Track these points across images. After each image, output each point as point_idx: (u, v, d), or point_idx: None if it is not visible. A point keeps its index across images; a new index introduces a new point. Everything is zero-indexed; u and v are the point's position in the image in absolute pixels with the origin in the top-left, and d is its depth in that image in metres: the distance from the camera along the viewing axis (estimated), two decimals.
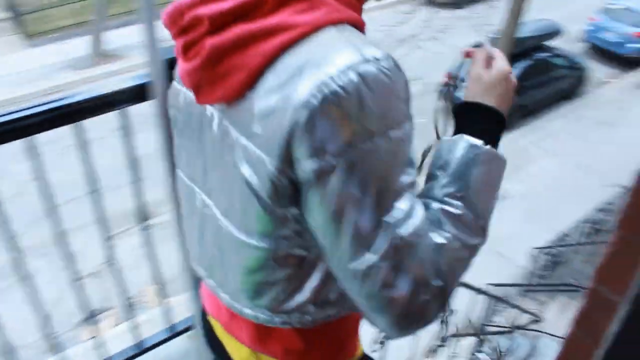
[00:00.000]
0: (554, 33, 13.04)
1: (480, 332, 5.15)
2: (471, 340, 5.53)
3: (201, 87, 0.94)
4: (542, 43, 12.90)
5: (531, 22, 12.00)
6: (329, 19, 0.90)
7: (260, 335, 1.19)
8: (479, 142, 1.03)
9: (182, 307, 2.21)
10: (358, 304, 0.95)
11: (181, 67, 0.97)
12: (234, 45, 0.88)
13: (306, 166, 0.85)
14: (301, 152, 0.85)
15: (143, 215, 2.10)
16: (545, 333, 5.86)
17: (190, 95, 1.03)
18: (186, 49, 0.94)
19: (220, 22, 0.89)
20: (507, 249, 8.96)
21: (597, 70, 14.77)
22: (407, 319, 0.91)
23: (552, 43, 13.28)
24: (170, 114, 1.22)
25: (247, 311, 1.15)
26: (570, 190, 10.55)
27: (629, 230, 0.99)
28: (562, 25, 13.27)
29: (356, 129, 0.83)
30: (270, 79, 0.88)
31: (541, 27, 12.77)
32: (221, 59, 0.89)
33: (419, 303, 0.90)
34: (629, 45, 14.75)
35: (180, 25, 0.94)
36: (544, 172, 11.16)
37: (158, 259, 2.25)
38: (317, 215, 0.90)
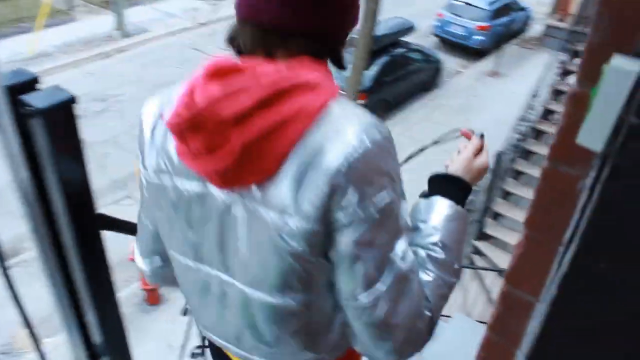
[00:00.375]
0: (407, 29, 13.68)
1: None
2: None
3: (227, 175, 1.02)
4: (397, 39, 13.47)
5: (385, 21, 12.46)
6: (329, 97, 1.03)
7: None
8: (456, 204, 1.27)
9: (59, 351, 2.00)
10: (361, 336, 1.14)
11: (199, 160, 1.03)
12: (261, 136, 0.98)
13: (341, 219, 1.01)
14: (338, 211, 1.00)
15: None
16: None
17: (191, 181, 1.12)
18: (212, 149, 1.00)
19: (243, 116, 0.97)
20: None
21: (449, 61, 15.71)
22: (407, 345, 1.12)
23: (407, 39, 13.93)
24: (153, 182, 1.23)
25: None
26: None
27: (536, 230, 1.02)
28: (414, 22, 13.97)
29: (377, 186, 1.02)
30: (296, 158, 0.99)
31: (396, 25, 13.33)
32: (250, 150, 0.98)
33: (416, 330, 1.11)
34: (474, 37, 15.91)
35: (198, 125, 0.99)
36: (414, 162, 11.58)
37: (25, 300, 2.01)
38: (339, 252, 1.05)
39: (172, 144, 1.12)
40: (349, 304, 1.10)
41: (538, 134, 8.45)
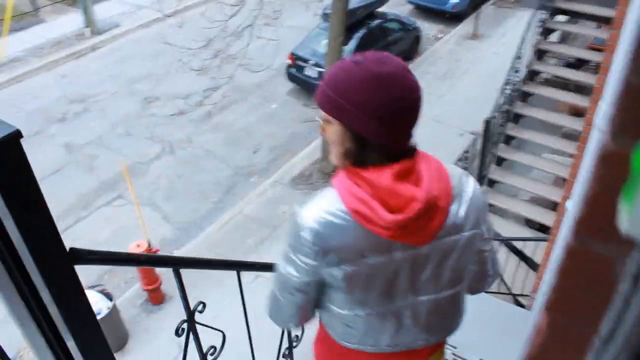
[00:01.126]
0: (381, 0, 13.43)
1: None
2: None
3: (435, 235, 1.51)
4: (373, 11, 13.23)
5: None
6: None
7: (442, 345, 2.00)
8: None
9: None
10: (483, 285, 1.92)
11: (413, 236, 1.48)
12: (447, 197, 1.53)
13: (484, 226, 1.65)
14: (483, 220, 1.65)
15: None
16: None
17: (381, 257, 1.53)
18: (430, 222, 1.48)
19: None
20: None
21: (427, 28, 15.54)
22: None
23: (382, 9, 13.69)
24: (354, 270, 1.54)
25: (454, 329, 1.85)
26: (432, 143, 10.93)
27: (561, 316, 0.85)
28: None
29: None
30: (454, 195, 1.55)
31: None
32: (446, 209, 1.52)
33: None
34: (450, 1, 15.65)
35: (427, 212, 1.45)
36: None
37: None
38: (482, 247, 1.72)
39: (365, 237, 1.47)
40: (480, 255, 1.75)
41: (525, 96, 8.33)
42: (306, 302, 1.71)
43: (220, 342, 2.57)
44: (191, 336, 2.31)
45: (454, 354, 5.92)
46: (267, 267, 2.71)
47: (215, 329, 2.52)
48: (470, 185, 1.59)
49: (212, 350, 2.51)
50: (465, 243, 1.57)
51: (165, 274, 8.15)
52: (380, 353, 1.78)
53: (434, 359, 1.93)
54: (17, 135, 1.09)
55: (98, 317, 6.16)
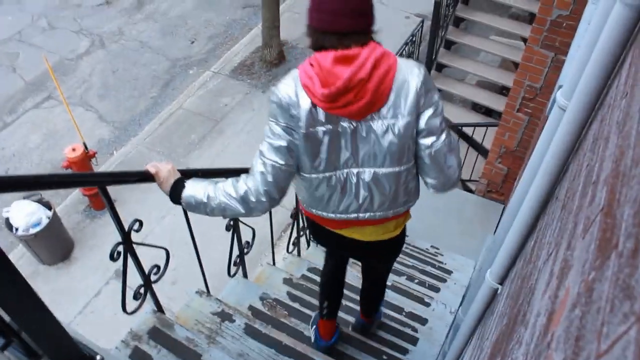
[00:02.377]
0: None
1: None
2: None
3: (365, 111, 1.90)
4: None
5: None
6: (394, 56, 1.95)
7: (400, 217, 2.31)
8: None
9: None
10: (434, 168, 2.08)
11: (346, 109, 1.89)
12: (379, 83, 1.85)
13: (423, 107, 1.94)
14: (421, 105, 1.94)
15: None
16: None
17: (332, 123, 1.95)
18: (358, 99, 1.87)
19: (369, 76, 1.85)
20: None
21: None
22: (459, 167, 2.16)
23: None
24: (307, 137, 1.95)
25: (400, 209, 2.22)
26: (377, 27, 10.55)
27: None
28: None
29: (433, 91, 1.96)
30: (395, 90, 1.89)
31: None
32: (375, 93, 1.86)
33: (458, 160, 2.17)
34: None
35: (348, 88, 1.84)
36: None
37: None
38: (425, 122, 1.96)
39: (313, 108, 1.90)
40: (430, 150, 2.00)
41: None
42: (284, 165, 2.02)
43: (164, 260, 2.38)
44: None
45: (406, 243, 5.99)
46: (210, 174, 2.47)
47: (157, 247, 2.31)
48: (415, 77, 1.90)
49: (155, 269, 2.32)
50: (403, 127, 1.93)
51: None
52: (335, 220, 2.23)
53: (377, 231, 2.32)
54: None
55: (38, 228, 5.90)
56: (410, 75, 1.88)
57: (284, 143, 1.94)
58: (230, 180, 2.08)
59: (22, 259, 6.89)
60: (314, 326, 3.23)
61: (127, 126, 8.80)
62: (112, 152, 8.38)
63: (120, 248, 2.05)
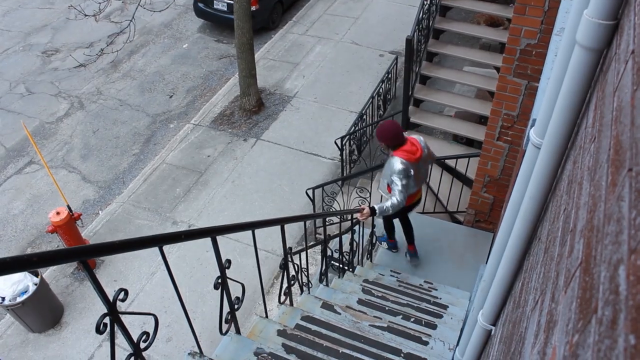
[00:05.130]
0: None
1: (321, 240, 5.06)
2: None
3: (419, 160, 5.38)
4: None
5: None
6: None
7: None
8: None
9: None
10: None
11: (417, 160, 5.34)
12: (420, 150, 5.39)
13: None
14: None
15: None
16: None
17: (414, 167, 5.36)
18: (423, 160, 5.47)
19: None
20: (314, 146, 8.95)
21: None
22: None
23: None
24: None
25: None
26: (352, 67, 10.73)
27: None
28: None
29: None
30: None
31: None
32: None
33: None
34: None
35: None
36: (322, 57, 11.16)
37: None
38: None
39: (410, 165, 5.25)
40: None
41: (444, 10, 8.10)
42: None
43: (153, 326, 2.32)
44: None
45: (398, 280, 5.96)
46: (194, 235, 2.44)
47: (145, 314, 2.26)
48: (422, 141, 5.40)
49: (144, 336, 2.27)
50: (425, 162, 5.49)
51: (92, 236, 7.74)
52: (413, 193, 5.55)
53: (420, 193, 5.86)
54: None
55: (25, 296, 5.78)
56: (421, 139, 5.38)
57: (405, 182, 5.12)
58: (393, 198, 5.15)
59: (10, 329, 6.75)
60: (384, 242, 6.69)
61: (111, 185, 8.76)
62: (97, 212, 8.31)
63: (107, 319, 2.00)
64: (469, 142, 7.85)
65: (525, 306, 1.18)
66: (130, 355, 2.23)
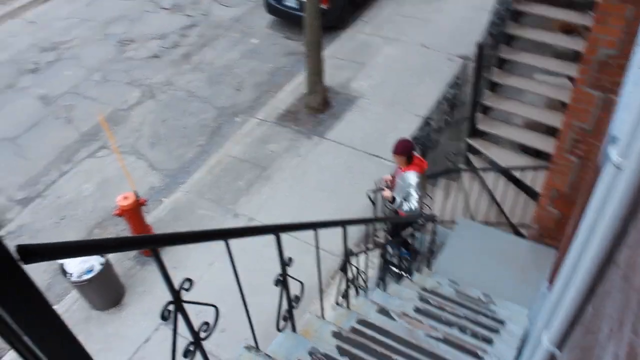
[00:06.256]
0: None
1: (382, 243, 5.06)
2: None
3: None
4: None
5: None
6: None
7: None
8: None
9: None
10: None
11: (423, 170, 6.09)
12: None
13: None
14: None
15: None
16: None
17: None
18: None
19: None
20: (379, 148, 8.92)
21: None
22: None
23: None
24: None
25: None
26: (420, 70, 10.62)
27: None
28: None
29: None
30: None
31: None
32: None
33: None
34: None
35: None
36: (390, 59, 11.10)
37: None
38: None
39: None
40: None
41: (517, 16, 7.91)
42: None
43: (214, 317, 2.38)
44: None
45: (456, 291, 5.87)
46: (259, 231, 2.48)
47: (207, 304, 2.32)
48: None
49: (204, 326, 2.32)
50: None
51: (155, 223, 7.97)
52: None
53: None
54: None
55: (91, 275, 6.02)
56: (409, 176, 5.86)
57: (421, 194, 5.67)
58: (411, 205, 5.63)
59: (76, 304, 7.04)
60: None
61: (176, 174, 9.01)
62: (161, 200, 8.56)
63: (171, 307, 2.06)
64: (537, 153, 7.64)
65: (599, 333, 1.15)
66: (190, 344, 2.29)
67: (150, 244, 1.89)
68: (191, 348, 2.31)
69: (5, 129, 9.95)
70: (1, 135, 9.89)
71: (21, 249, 1.11)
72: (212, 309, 2.42)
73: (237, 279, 2.48)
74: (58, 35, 12.69)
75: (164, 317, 2.03)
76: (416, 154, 5.85)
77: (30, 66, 11.76)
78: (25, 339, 1.20)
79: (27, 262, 1.13)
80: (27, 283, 1.12)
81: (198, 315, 2.23)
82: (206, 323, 2.35)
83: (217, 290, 7.75)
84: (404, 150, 5.65)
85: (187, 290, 2.12)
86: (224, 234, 2.27)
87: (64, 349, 1.32)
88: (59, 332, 1.28)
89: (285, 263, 2.76)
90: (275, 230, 2.45)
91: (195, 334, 2.28)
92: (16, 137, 9.82)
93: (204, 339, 2.34)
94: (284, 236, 2.65)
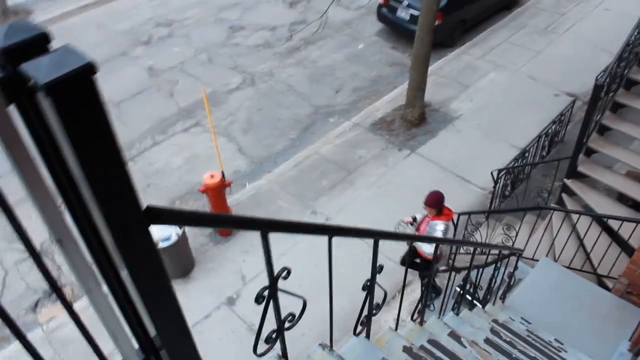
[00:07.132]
0: None
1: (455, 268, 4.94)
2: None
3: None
4: None
5: None
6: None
7: None
8: None
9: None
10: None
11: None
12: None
13: None
14: None
15: None
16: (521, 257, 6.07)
17: None
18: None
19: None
20: (467, 172, 8.72)
21: None
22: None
23: None
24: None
25: None
26: (523, 101, 10.30)
27: None
28: None
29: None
30: None
31: None
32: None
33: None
34: None
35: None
36: (494, 85, 10.83)
37: None
38: None
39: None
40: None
41: None
42: None
43: (300, 308, 2.37)
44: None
45: (527, 330, 5.63)
46: (360, 233, 2.45)
47: (297, 296, 2.31)
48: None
49: (290, 317, 2.32)
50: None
51: (235, 206, 8.12)
52: None
53: None
54: (88, 69, 0.81)
55: (167, 243, 6.20)
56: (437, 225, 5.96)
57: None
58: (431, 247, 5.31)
59: None
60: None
61: (263, 162, 9.15)
62: (245, 184, 8.71)
63: (265, 292, 2.07)
64: (636, 205, 7.22)
65: None
66: (274, 331, 2.29)
67: (262, 227, 1.90)
68: (273, 336, 2.32)
69: (112, 92, 10.43)
70: (106, 98, 10.36)
71: (150, 210, 1.13)
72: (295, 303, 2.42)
73: (330, 276, 2.47)
74: (174, 13, 13.21)
75: (257, 300, 2.04)
76: (446, 205, 6.05)
77: (144, 38, 12.30)
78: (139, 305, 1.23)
79: (153, 223, 1.15)
80: (151, 243, 1.15)
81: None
82: (291, 314, 2.35)
83: (285, 283, 7.82)
84: (436, 203, 5.92)
85: (284, 279, 2.12)
86: (330, 230, 2.27)
87: (170, 315, 1.34)
88: (172, 302, 1.31)
89: (375, 270, 2.72)
90: (375, 235, 2.42)
91: (281, 322, 2.28)
92: (120, 101, 10.29)
93: (287, 329, 2.34)
94: (362, 244, 2.61)
